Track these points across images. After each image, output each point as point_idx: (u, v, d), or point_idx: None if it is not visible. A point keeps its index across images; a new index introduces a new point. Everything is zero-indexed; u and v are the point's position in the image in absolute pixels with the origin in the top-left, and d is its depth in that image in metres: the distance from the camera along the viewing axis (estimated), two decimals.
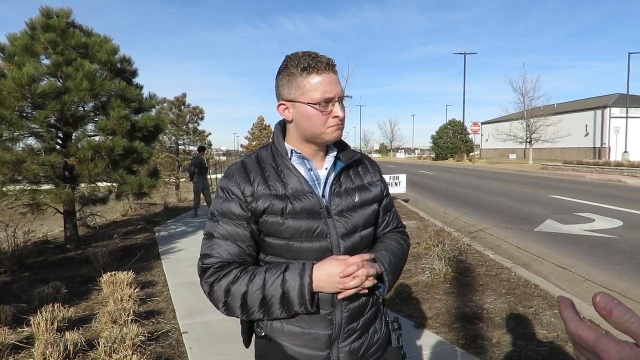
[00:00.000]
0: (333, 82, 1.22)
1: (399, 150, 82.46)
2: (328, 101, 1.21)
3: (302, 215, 1.23)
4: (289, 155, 1.28)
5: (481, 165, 36.16)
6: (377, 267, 1.25)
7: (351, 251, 1.26)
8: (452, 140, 46.69)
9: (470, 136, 46.89)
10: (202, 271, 1.25)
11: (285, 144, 1.30)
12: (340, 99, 1.24)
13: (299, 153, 1.29)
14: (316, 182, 1.29)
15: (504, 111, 43.56)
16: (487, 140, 54.44)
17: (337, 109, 1.22)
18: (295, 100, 1.23)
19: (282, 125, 1.34)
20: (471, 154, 46.64)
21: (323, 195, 1.28)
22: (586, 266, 5.74)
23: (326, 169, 1.32)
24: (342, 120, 1.24)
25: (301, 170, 1.28)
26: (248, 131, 37.03)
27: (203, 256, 1.27)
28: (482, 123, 51.50)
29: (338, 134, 1.26)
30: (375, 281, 1.24)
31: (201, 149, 11.34)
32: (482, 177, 21.43)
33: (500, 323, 3.78)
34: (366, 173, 1.40)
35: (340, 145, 1.35)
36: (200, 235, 8.07)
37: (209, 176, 12.22)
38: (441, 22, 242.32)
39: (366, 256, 1.23)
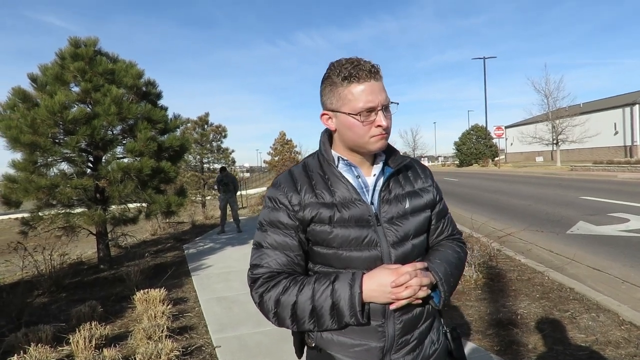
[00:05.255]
0: (375, 91, 1.17)
1: (422, 158, 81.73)
2: (370, 110, 1.17)
3: (351, 224, 1.20)
4: (336, 163, 1.26)
5: (507, 169, 35.50)
6: (430, 277, 1.20)
7: (403, 260, 1.22)
8: (476, 146, 46.00)
9: (494, 141, 46.08)
10: (252, 281, 1.24)
11: (332, 152, 1.29)
12: (385, 107, 1.19)
13: (346, 160, 1.27)
14: (364, 189, 1.26)
15: (527, 113, 42.90)
16: (512, 144, 53.43)
17: (380, 118, 1.17)
18: (337, 111, 1.21)
19: (329, 132, 1.31)
20: (496, 158, 45.82)
21: (372, 203, 1.25)
22: (623, 267, 5.55)
23: (374, 175, 1.29)
24: (386, 129, 1.20)
25: (349, 177, 1.25)
26: (270, 147, 37.31)
27: (253, 266, 1.25)
28: (506, 127, 50.65)
29: (382, 144, 1.22)
30: (429, 291, 1.20)
31: (221, 170, 11.69)
32: (508, 182, 21.04)
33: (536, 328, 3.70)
34: (417, 178, 1.36)
35: (388, 151, 1.32)
36: (227, 251, 8.21)
37: (239, 192, 12.44)
38: (458, 27, 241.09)
39: (419, 265, 1.20)
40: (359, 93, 1.17)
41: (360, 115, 1.17)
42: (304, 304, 1.16)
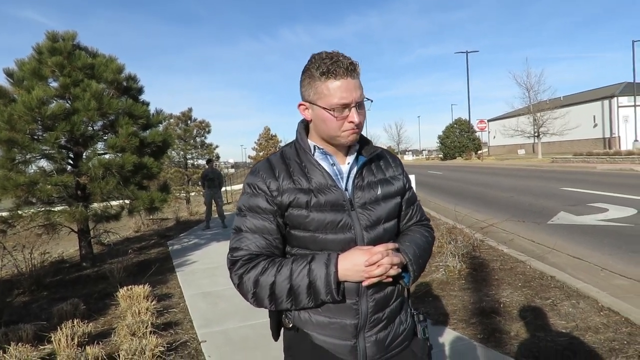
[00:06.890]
0: (350, 88, 1.22)
1: (407, 152, 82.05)
2: (344, 106, 1.22)
3: (327, 208, 1.27)
4: (312, 151, 1.33)
5: (490, 162, 35.96)
6: (401, 257, 1.28)
7: (375, 242, 1.29)
8: (459, 139, 46.44)
9: (477, 134, 46.62)
10: (232, 264, 1.29)
11: (309, 141, 1.35)
12: (358, 104, 1.25)
13: (322, 149, 1.33)
14: (339, 177, 1.33)
15: (509, 107, 43.37)
16: (494, 137, 54.11)
17: (352, 115, 1.23)
18: (313, 103, 1.27)
19: (305, 123, 1.37)
20: (479, 151, 46.34)
21: (346, 189, 1.32)
22: (602, 255, 5.68)
23: (348, 163, 1.36)
24: (358, 125, 1.26)
25: (324, 165, 1.32)
26: (255, 142, 37.18)
27: (232, 249, 1.31)
28: (489, 120, 51.23)
29: (353, 138, 1.28)
30: (400, 270, 1.28)
31: (208, 162, 11.60)
32: (491, 174, 21.31)
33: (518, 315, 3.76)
34: (388, 167, 1.43)
35: (362, 141, 1.39)
36: (212, 247, 8.17)
37: (224, 188, 12.32)
38: (442, 22, 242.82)
39: (390, 245, 1.26)
40: (335, 89, 1.22)
41: (334, 110, 1.23)
42: (282, 283, 1.21)
